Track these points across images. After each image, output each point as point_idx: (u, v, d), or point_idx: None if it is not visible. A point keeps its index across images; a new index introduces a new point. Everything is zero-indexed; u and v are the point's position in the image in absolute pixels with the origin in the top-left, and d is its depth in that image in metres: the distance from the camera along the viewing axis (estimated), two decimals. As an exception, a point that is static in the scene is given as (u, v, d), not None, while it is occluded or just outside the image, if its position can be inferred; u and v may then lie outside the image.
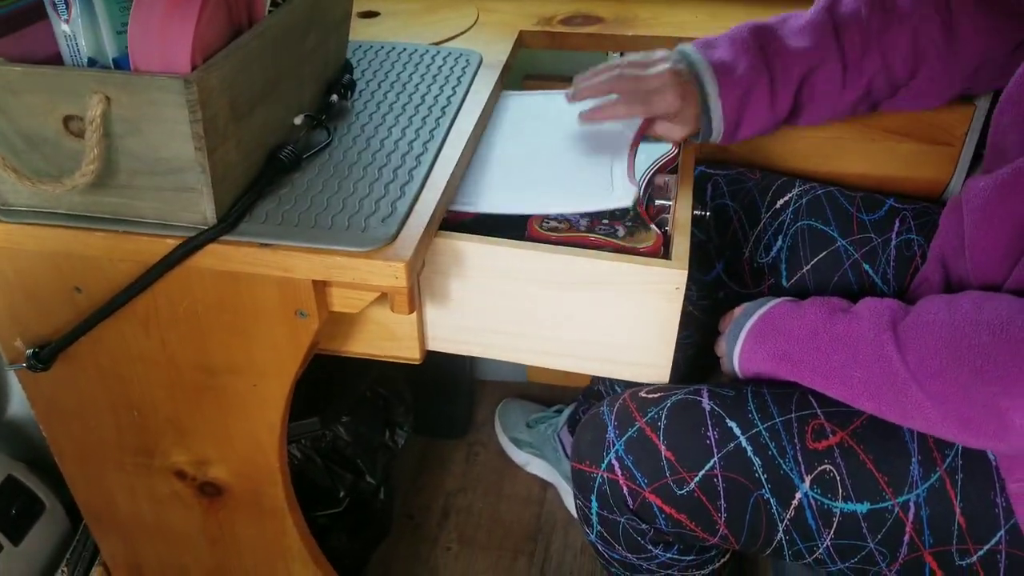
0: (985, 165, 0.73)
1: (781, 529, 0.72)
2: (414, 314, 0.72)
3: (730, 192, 0.98)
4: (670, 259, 0.72)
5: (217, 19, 0.63)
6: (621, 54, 1.09)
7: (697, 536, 0.75)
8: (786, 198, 0.95)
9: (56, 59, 0.66)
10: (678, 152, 0.88)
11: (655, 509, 0.73)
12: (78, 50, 0.65)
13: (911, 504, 0.68)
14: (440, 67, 0.93)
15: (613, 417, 0.76)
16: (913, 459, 0.68)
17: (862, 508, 0.69)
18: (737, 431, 0.72)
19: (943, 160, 1.01)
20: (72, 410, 0.81)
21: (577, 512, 0.83)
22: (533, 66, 1.14)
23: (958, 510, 0.67)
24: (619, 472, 0.74)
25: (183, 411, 0.78)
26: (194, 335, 0.72)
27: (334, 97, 0.81)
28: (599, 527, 0.79)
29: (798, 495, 0.70)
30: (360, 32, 1.04)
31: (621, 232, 0.77)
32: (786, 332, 0.73)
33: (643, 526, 0.76)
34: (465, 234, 0.73)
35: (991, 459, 0.67)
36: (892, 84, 0.85)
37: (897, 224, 0.90)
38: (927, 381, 0.62)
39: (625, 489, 0.74)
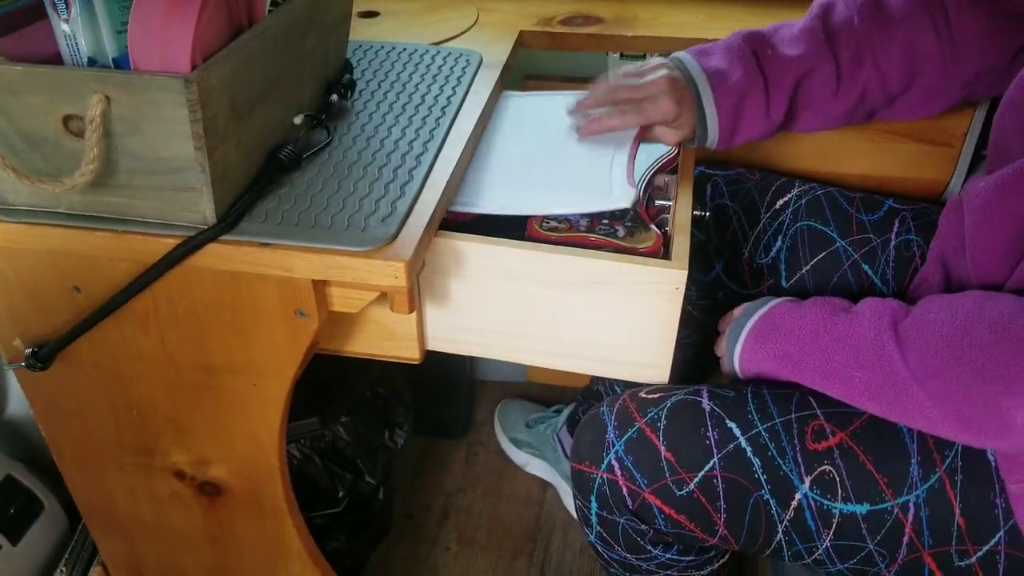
0: (988, 167, 0.73)
1: (780, 530, 0.72)
2: (414, 314, 0.72)
3: (730, 192, 0.98)
4: (670, 259, 0.72)
5: (217, 19, 0.63)
6: (621, 55, 1.09)
7: (696, 537, 0.75)
8: (785, 198, 0.95)
9: (56, 59, 0.66)
10: (678, 153, 0.88)
11: (655, 510, 0.73)
12: (78, 49, 0.65)
13: (910, 505, 0.68)
14: (440, 67, 0.93)
15: (613, 417, 0.76)
16: (913, 460, 0.68)
17: (861, 509, 0.69)
18: (737, 432, 0.72)
19: (943, 161, 1.01)
20: (71, 410, 0.81)
21: (577, 512, 0.83)
22: (533, 66, 1.14)
23: (957, 511, 0.67)
24: (619, 473, 0.74)
25: (183, 411, 0.78)
26: (194, 335, 0.72)
27: (334, 97, 0.81)
28: (599, 527, 0.79)
29: (798, 496, 0.70)
30: (360, 32, 1.04)
31: (621, 232, 0.77)
32: (787, 332, 0.73)
33: (642, 527, 0.76)
34: (465, 234, 0.73)
35: (991, 460, 0.67)
36: (887, 93, 0.85)
37: (896, 225, 0.90)
38: (928, 381, 0.62)
39: (625, 490, 0.74)
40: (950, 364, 0.61)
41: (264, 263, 0.65)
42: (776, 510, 0.71)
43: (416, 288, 0.70)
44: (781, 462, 0.71)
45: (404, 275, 0.63)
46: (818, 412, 0.72)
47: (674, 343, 0.75)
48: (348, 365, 0.86)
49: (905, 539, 0.68)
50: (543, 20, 1.07)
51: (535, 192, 0.80)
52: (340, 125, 0.81)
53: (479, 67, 0.93)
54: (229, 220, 0.65)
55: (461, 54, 0.95)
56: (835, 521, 0.70)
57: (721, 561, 0.87)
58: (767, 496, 0.71)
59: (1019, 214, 0.64)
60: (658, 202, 0.84)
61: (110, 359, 0.75)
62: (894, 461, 0.69)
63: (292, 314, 0.68)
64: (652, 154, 0.88)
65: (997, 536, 0.66)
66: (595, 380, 1.32)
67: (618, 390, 1.10)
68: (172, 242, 0.65)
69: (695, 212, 0.80)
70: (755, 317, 0.76)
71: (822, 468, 0.70)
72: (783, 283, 0.94)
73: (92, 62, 0.65)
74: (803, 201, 0.94)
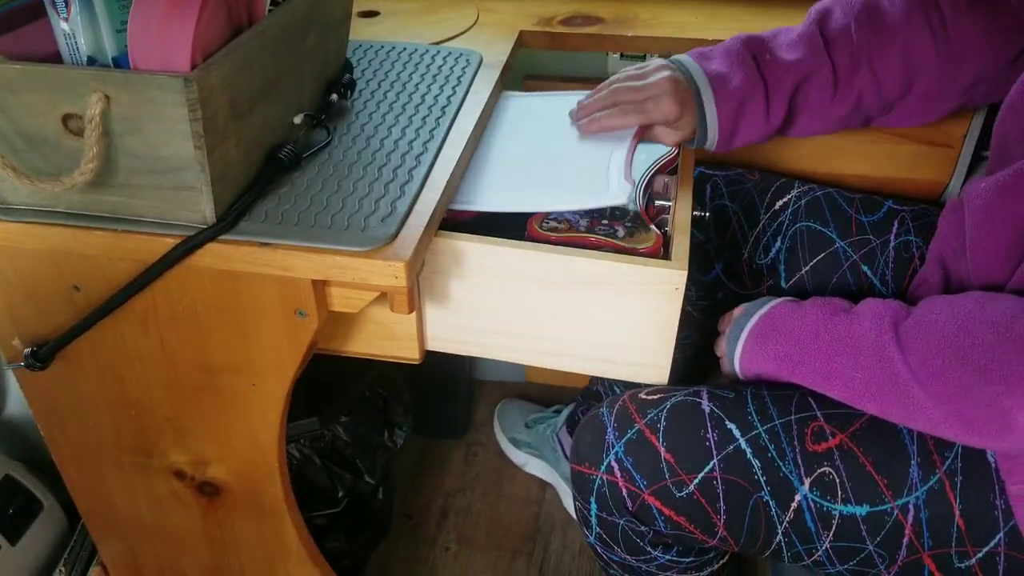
0: (989, 171, 0.73)
1: (780, 531, 0.72)
2: (413, 314, 0.72)
3: (729, 193, 0.99)
4: (670, 259, 0.72)
5: (217, 18, 0.62)
6: (621, 55, 1.09)
7: (696, 538, 0.74)
8: (785, 199, 0.95)
9: (55, 57, 0.65)
10: (678, 153, 0.88)
11: (654, 511, 0.73)
12: (77, 48, 0.65)
13: (910, 506, 0.68)
14: (440, 67, 0.92)
15: (612, 418, 0.76)
16: (912, 461, 0.68)
17: (861, 510, 0.69)
18: (737, 433, 0.72)
19: (942, 162, 1.01)
20: (70, 409, 0.81)
21: (576, 513, 0.83)
22: (533, 66, 1.14)
23: (957, 512, 0.67)
24: (618, 474, 0.74)
25: (182, 410, 0.78)
26: (193, 334, 0.72)
27: (334, 96, 0.81)
28: (598, 528, 0.79)
29: (797, 497, 0.70)
30: (360, 32, 1.04)
31: (621, 232, 0.77)
32: (787, 333, 0.73)
33: (642, 528, 0.76)
34: (465, 234, 0.73)
35: (991, 461, 0.67)
36: (884, 100, 0.85)
37: (896, 225, 0.90)
38: (930, 381, 0.62)
39: (624, 491, 0.74)
40: (952, 365, 0.61)
41: (264, 263, 0.65)
42: (776, 511, 0.71)
43: (416, 288, 0.70)
44: (781, 463, 0.71)
45: (404, 275, 0.63)
46: (818, 413, 0.72)
47: (674, 343, 0.75)
48: (347, 365, 0.86)
49: (905, 540, 0.68)
50: (543, 20, 1.07)
51: (534, 191, 0.80)
52: (340, 125, 0.81)
53: (479, 67, 0.93)
54: (229, 220, 0.65)
55: (461, 54, 0.95)
56: (835, 522, 0.70)
57: (721, 562, 0.87)
58: (767, 497, 0.71)
59: (1020, 215, 0.64)
60: (658, 202, 0.84)
61: (109, 359, 0.75)
62: (894, 462, 0.69)
63: (292, 314, 0.68)
64: (652, 155, 0.88)
65: (997, 537, 0.66)
66: (594, 380, 1.31)
67: (618, 390, 1.10)
68: (171, 241, 0.65)
69: (695, 213, 0.80)
70: (755, 318, 0.76)
71: (822, 469, 0.70)
72: (782, 284, 0.94)
73: (91, 61, 0.65)
74: (803, 202, 0.94)
